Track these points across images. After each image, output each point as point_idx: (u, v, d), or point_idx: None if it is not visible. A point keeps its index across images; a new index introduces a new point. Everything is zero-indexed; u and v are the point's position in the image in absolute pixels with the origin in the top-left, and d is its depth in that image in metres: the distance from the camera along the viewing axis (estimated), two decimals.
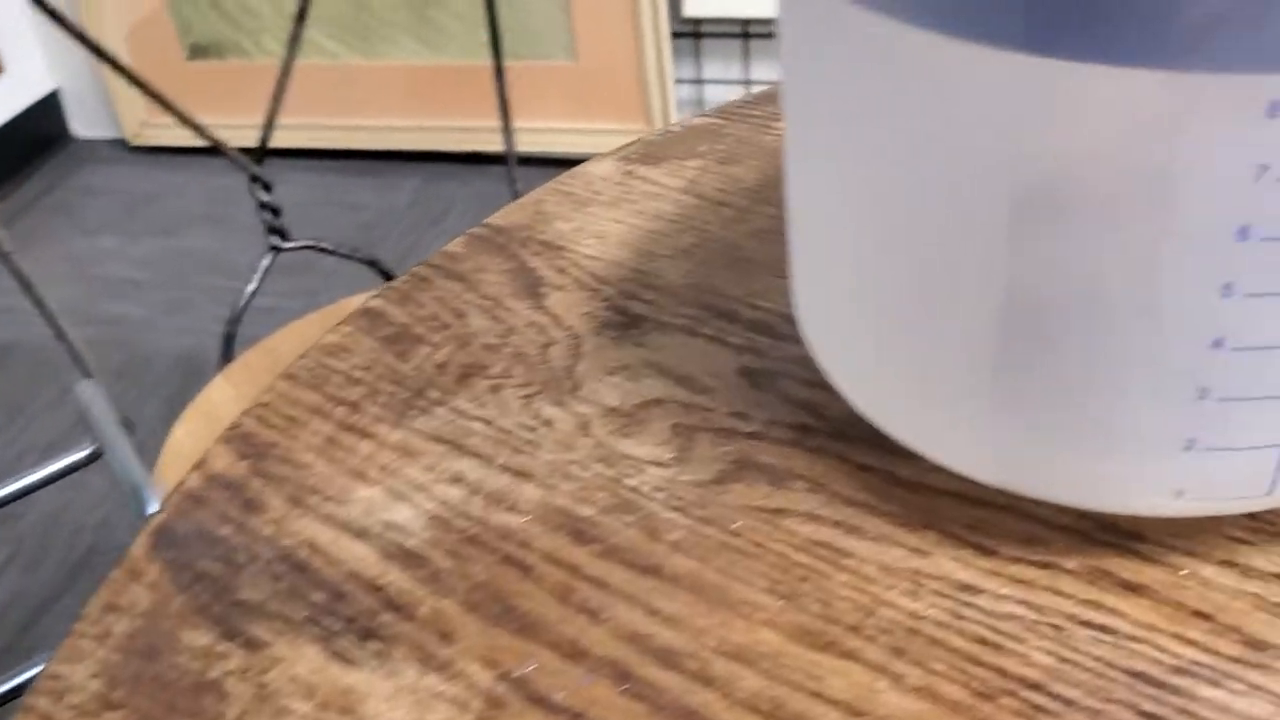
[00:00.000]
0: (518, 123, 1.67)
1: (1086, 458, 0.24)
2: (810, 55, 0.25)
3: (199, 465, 0.32)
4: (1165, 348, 0.22)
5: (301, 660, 0.26)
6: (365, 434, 0.32)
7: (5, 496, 0.63)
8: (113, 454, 0.58)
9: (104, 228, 1.82)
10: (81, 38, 0.69)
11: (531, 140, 1.71)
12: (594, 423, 0.31)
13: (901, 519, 0.28)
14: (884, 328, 0.27)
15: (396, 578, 0.28)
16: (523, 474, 0.30)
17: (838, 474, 0.29)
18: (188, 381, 1.43)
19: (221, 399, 0.74)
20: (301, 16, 0.77)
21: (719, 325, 0.35)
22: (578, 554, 0.27)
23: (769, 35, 1.72)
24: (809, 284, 0.29)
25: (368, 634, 0.26)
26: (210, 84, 1.91)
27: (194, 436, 0.69)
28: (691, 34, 1.76)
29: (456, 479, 0.30)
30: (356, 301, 0.37)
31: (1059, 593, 0.25)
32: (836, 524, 0.28)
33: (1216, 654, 0.24)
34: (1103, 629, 0.25)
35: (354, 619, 0.27)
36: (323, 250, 0.85)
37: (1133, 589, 0.25)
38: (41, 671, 0.27)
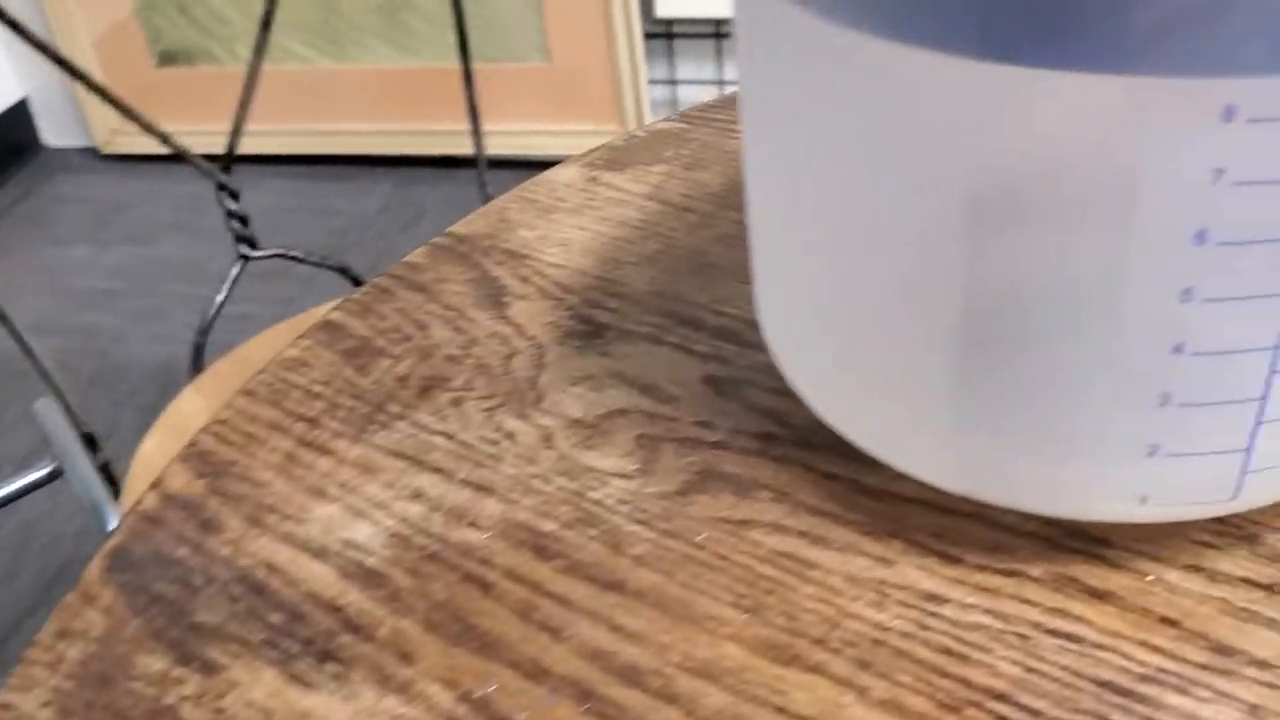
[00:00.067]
0: (491, 125, 1.67)
1: (1050, 464, 0.24)
2: (765, 62, 0.25)
3: (156, 485, 0.31)
4: (1126, 353, 0.22)
5: (258, 684, 0.25)
6: (324, 450, 0.31)
7: None
8: (72, 472, 0.57)
9: (76, 237, 1.80)
10: (43, 48, 0.68)
11: (505, 143, 1.71)
12: (557, 435, 0.31)
13: (867, 528, 0.27)
14: (845, 335, 0.26)
15: (356, 598, 0.27)
16: (484, 489, 0.29)
17: (803, 483, 0.29)
18: (162, 391, 1.42)
19: (192, 410, 0.73)
20: (267, 23, 0.76)
21: (684, 333, 0.34)
22: (540, 570, 0.27)
23: None
24: (770, 291, 0.29)
25: (326, 656, 0.26)
26: (181, 91, 1.89)
27: (163, 450, 0.68)
28: (664, 34, 1.76)
29: (417, 495, 0.29)
30: (328, 309, 0.36)
31: (1025, 601, 0.25)
32: (802, 534, 0.27)
33: (1183, 661, 0.24)
34: (1069, 637, 0.24)
35: (312, 640, 0.26)
36: (292, 258, 0.85)
37: (1099, 596, 0.25)
38: None
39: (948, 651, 0.24)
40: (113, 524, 0.59)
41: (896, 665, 0.24)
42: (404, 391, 0.33)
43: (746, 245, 0.37)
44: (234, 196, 0.79)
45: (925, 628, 0.25)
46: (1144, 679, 0.23)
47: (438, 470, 0.30)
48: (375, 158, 1.84)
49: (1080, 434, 0.23)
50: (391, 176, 1.82)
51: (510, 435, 0.31)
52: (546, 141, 1.73)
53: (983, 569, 0.26)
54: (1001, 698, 0.23)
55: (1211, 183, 0.19)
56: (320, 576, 0.28)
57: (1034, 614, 0.25)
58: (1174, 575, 0.25)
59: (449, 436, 0.31)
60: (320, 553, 0.28)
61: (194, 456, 0.32)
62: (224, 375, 0.75)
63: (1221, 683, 0.23)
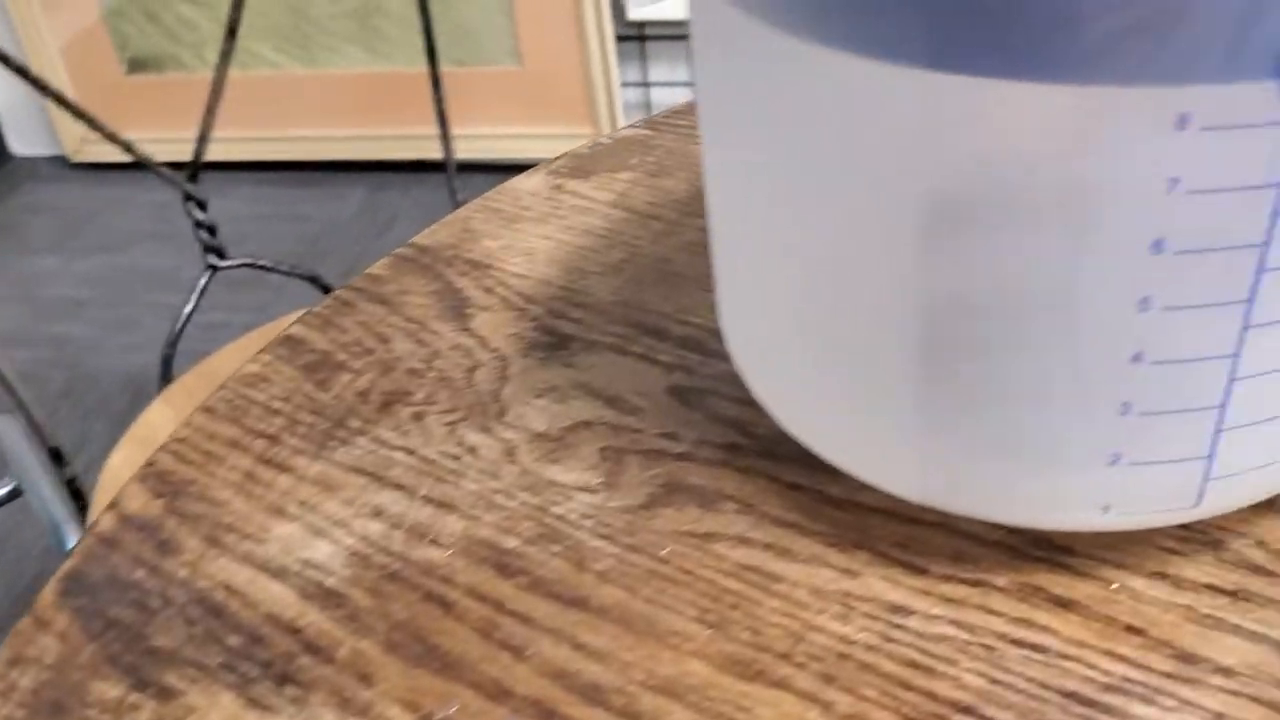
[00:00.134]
0: (464, 129, 1.66)
1: (1011, 474, 0.24)
2: (721, 71, 0.24)
3: (113, 505, 0.31)
4: (1085, 363, 0.22)
5: (216, 709, 0.25)
6: (284, 468, 0.31)
7: None
8: (32, 491, 0.57)
9: (46, 246, 1.78)
10: (5, 60, 0.67)
11: (477, 147, 1.70)
12: (520, 449, 0.30)
13: (832, 539, 0.27)
14: (805, 344, 0.26)
15: (315, 618, 0.27)
16: (446, 505, 0.29)
17: (768, 494, 0.28)
18: (134, 401, 1.41)
19: (160, 422, 0.73)
20: (233, 31, 0.75)
21: (648, 343, 0.34)
22: (502, 588, 0.27)
23: None
24: (732, 300, 0.29)
25: (285, 678, 0.25)
26: (150, 99, 1.88)
27: (131, 463, 0.68)
28: (636, 37, 1.75)
29: (377, 513, 0.29)
30: (289, 322, 0.36)
31: (990, 611, 0.25)
32: (767, 547, 0.27)
33: (1148, 670, 0.24)
34: (1035, 648, 0.24)
35: (271, 663, 0.26)
36: (261, 268, 0.84)
37: (1064, 605, 0.25)
38: None
39: (913, 664, 0.24)
40: (72, 543, 0.58)
41: (861, 679, 0.24)
42: (365, 406, 0.33)
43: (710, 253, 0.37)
44: (201, 206, 0.78)
45: (890, 640, 0.25)
46: (1109, 689, 0.23)
47: (399, 487, 0.30)
48: (348, 163, 1.83)
49: (1041, 443, 0.23)
50: (364, 182, 1.81)
51: (472, 450, 0.31)
52: (519, 145, 1.73)
53: (948, 579, 0.26)
54: (967, 710, 0.23)
55: (1167, 191, 0.19)
56: (279, 597, 0.27)
57: (999, 624, 0.25)
58: (1139, 583, 0.25)
59: (410, 452, 0.31)
60: (279, 573, 0.28)
61: (152, 476, 0.31)
62: (193, 387, 0.74)
63: (1186, 691, 0.23)
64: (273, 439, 0.32)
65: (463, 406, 0.32)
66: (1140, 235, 0.20)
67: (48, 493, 0.57)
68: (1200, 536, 0.26)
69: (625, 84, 1.78)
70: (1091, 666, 0.24)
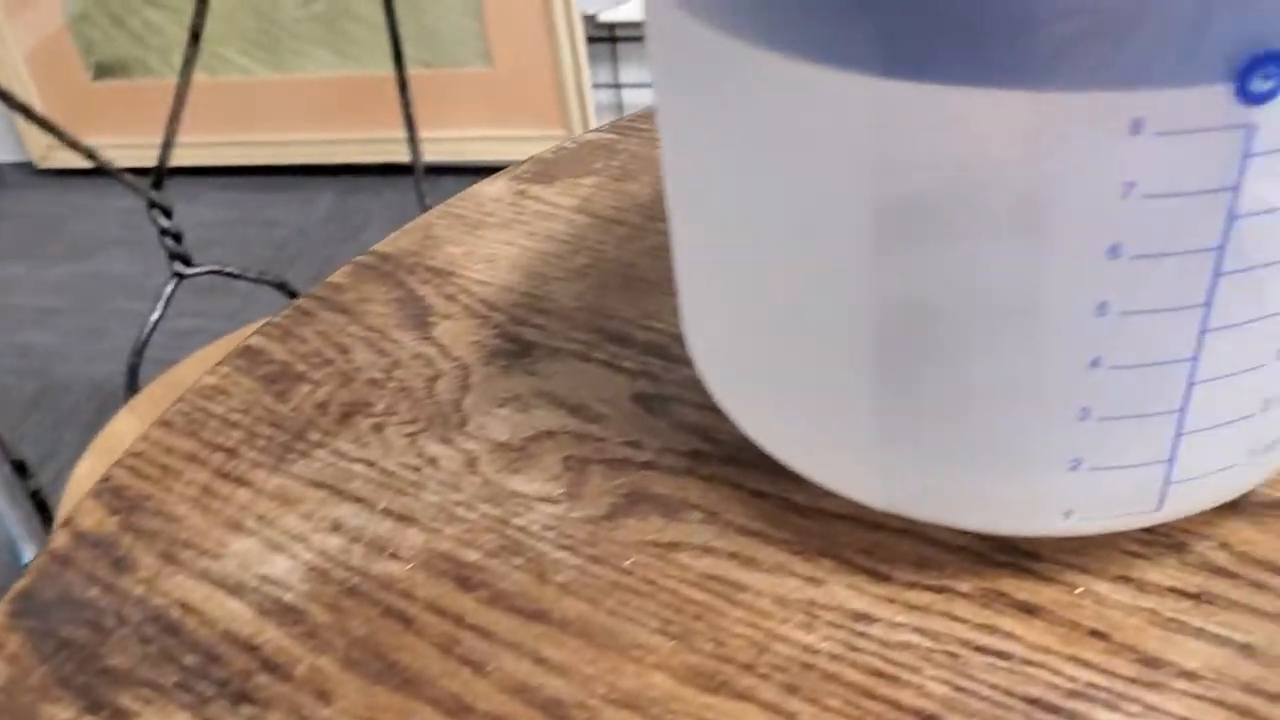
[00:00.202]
0: (434, 132, 1.65)
1: (972, 479, 0.24)
2: (677, 78, 0.24)
3: (66, 523, 0.30)
4: (1044, 368, 0.22)
5: None
6: (242, 481, 0.30)
7: None
8: None
9: (12, 254, 1.77)
10: None
11: (448, 149, 1.69)
12: (482, 459, 0.30)
13: (796, 546, 0.27)
14: (765, 351, 0.26)
15: (273, 635, 0.26)
16: (406, 518, 0.29)
17: (732, 502, 0.28)
18: (104, 409, 1.39)
19: (126, 433, 0.72)
20: (196, 37, 0.74)
21: (612, 350, 0.34)
22: (462, 602, 0.26)
23: None
24: (693, 306, 0.29)
25: (241, 697, 0.25)
26: (118, 104, 1.86)
27: (96, 476, 0.67)
28: (607, 38, 1.75)
29: (336, 526, 0.29)
30: (249, 333, 0.35)
31: (954, 618, 0.25)
32: (731, 556, 0.27)
33: (1112, 675, 0.23)
34: (999, 654, 0.24)
35: (227, 682, 0.25)
36: (228, 274, 0.83)
37: (1028, 610, 0.25)
38: None
39: (877, 673, 0.24)
40: (29, 559, 0.57)
41: (825, 689, 0.24)
42: (324, 418, 0.32)
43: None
44: (166, 213, 0.78)
45: (854, 649, 0.25)
46: (1073, 695, 0.23)
47: (358, 500, 0.29)
48: (318, 167, 1.82)
49: (1001, 449, 0.23)
50: (334, 186, 1.80)
51: (433, 461, 0.30)
52: (490, 147, 1.72)
53: (912, 586, 0.26)
54: (931, 719, 0.23)
55: (1122, 196, 0.19)
56: (236, 614, 0.27)
57: (963, 631, 0.25)
58: (1103, 587, 0.25)
59: (370, 464, 0.30)
60: (237, 589, 0.27)
61: (107, 491, 0.31)
62: (160, 396, 0.73)
63: (1150, 696, 0.23)
64: (231, 452, 0.31)
65: (423, 417, 0.32)
66: (1096, 240, 0.20)
67: (3, 507, 0.56)
68: (1164, 539, 0.26)
69: (597, 85, 1.78)
70: (1056, 672, 0.24)
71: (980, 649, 0.24)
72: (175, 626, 0.27)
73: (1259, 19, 0.18)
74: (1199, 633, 0.24)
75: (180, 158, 1.63)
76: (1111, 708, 0.23)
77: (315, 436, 0.32)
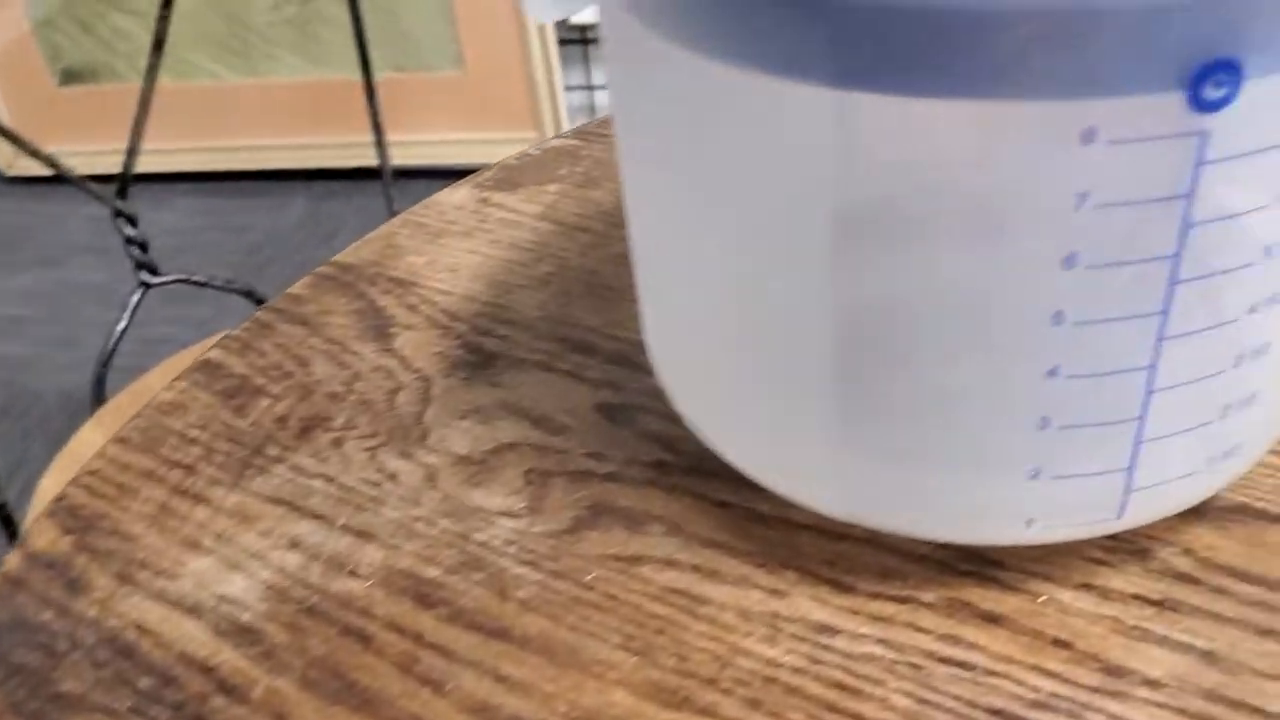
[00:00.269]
0: (406, 136, 1.65)
1: (933, 489, 0.24)
2: (631, 86, 0.24)
3: (19, 544, 0.30)
4: (1002, 377, 0.22)
5: None
6: (200, 499, 0.30)
7: None
8: None
9: None
10: None
11: (420, 153, 1.69)
12: (442, 473, 0.30)
13: (760, 558, 0.27)
14: (725, 361, 0.26)
15: (229, 656, 0.26)
16: (365, 534, 0.28)
17: (695, 513, 0.28)
18: (74, 420, 1.38)
19: (93, 446, 0.71)
20: (159, 45, 0.74)
21: (576, 359, 0.33)
22: (422, 620, 0.26)
23: None
24: (654, 315, 0.28)
25: None
26: (86, 110, 1.84)
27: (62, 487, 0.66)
28: (579, 40, 1.75)
29: (294, 544, 0.28)
30: (208, 346, 0.35)
31: (918, 628, 0.25)
32: (694, 568, 0.27)
33: (1075, 685, 0.23)
34: (962, 665, 0.24)
35: (182, 705, 0.25)
36: (195, 283, 0.82)
37: (992, 620, 0.25)
38: None
39: (840, 686, 0.24)
40: None
41: (788, 703, 0.24)
42: (283, 433, 0.32)
43: None
44: (131, 221, 0.77)
45: (818, 662, 0.24)
46: (1036, 705, 0.23)
47: (317, 516, 0.29)
48: (290, 172, 1.81)
49: (961, 458, 0.23)
50: (306, 191, 1.79)
51: (393, 476, 0.30)
52: (463, 151, 1.71)
53: (876, 596, 0.26)
54: None
55: (1076, 206, 0.19)
56: (193, 635, 0.26)
57: (926, 642, 0.24)
58: (1066, 595, 0.25)
59: (329, 479, 0.30)
60: (193, 610, 0.27)
61: (61, 511, 0.30)
62: (126, 408, 0.73)
63: (1113, 705, 0.23)
64: (189, 469, 0.31)
65: (383, 431, 0.31)
66: (1051, 250, 0.20)
67: None
68: (1127, 545, 0.26)
69: (569, 88, 1.77)
70: (1019, 683, 0.23)
71: (944, 660, 0.24)
72: (130, 649, 0.26)
73: (1210, 26, 0.18)
74: (1162, 640, 0.24)
75: (151, 164, 1.62)
76: (1075, 717, 0.23)
77: (274, 452, 0.31)
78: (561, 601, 0.26)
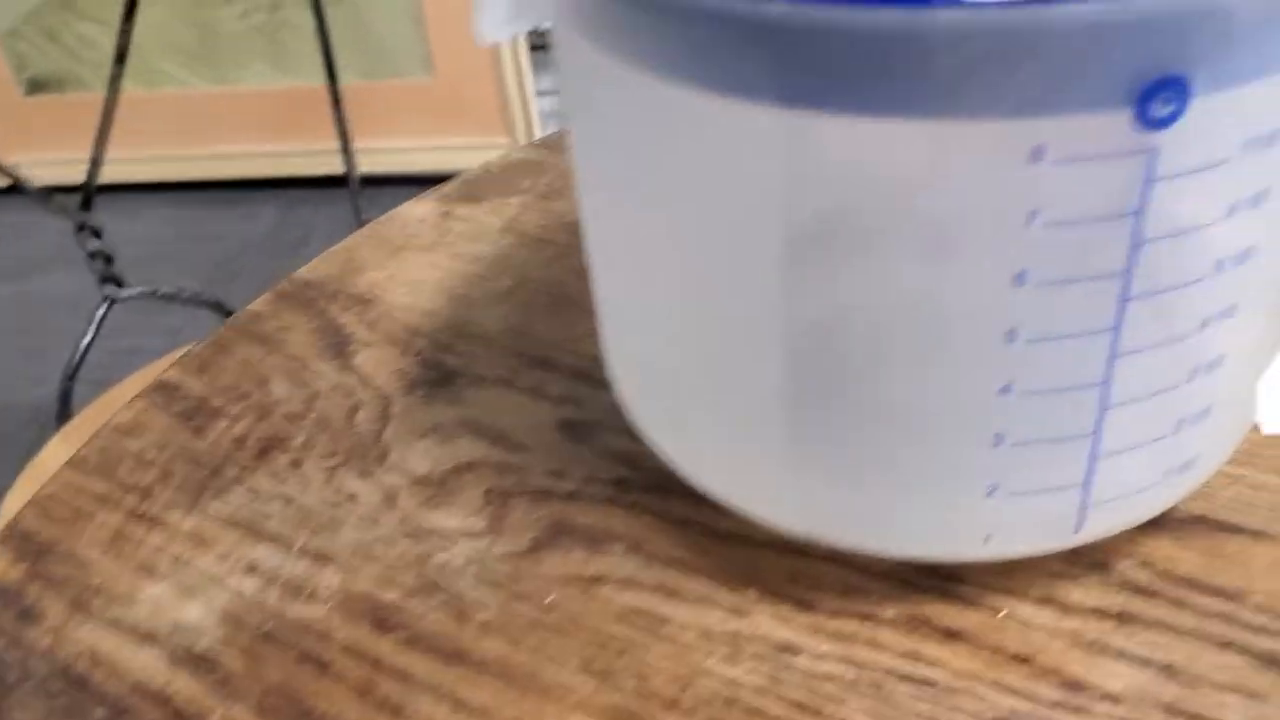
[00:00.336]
0: (376, 143, 1.64)
1: (890, 507, 0.24)
2: (583, 104, 0.24)
3: None
4: (956, 394, 0.21)
5: None
6: (156, 523, 0.30)
7: None
8: None
9: None
10: None
11: (391, 161, 1.68)
12: (402, 494, 0.29)
13: (722, 576, 0.27)
14: (682, 379, 0.25)
15: (185, 685, 0.25)
16: (323, 557, 0.28)
17: (656, 531, 0.28)
18: (42, 436, 1.37)
19: (58, 462, 0.70)
20: (121, 57, 0.73)
21: (537, 375, 0.33)
22: (380, 644, 0.26)
23: None
24: (612, 333, 0.28)
25: None
26: (52, 120, 1.82)
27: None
28: (550, 46, 1.74)
29: (252, 568, 0.28)
30: (166, 365, 0.35)
31: (879, 646, 0.25)
32: (655, 588, 0.26)
33: (1036, 700, 0.23)
34: (923, 682, 0.24)
35: None
36: (162, 296, 0.82)
37: (953, 635, 0.25)
38: None
39: (801, 706, 0.24)
40: None
41: None
42: (241, 454, 0.31)
43: None
44: (96, 234, 0.76)
45: (779, 681, 0.24)
46: None
47: (275, 539, 0.29)
48: (259, 180, 1.80)
49: (917, 475, 0.23)
50: (276, 199, 1.77)
51: (352, 497, 0.30)
52: (434, 158, 1.71)
53: (837, 614, 0.25)
54: None
55: (1025, 224, 0.19)
56: (147, 664, 0.26)
57: (888, 660, 0.24)
58: (1027, 609, 0.25)
59: (288, 501, 0.30)
60: (148, 638, 0.27)
61: (14, 537, 0.30)
62: (93, 423, 0.72)
63: None
64: (145, 492, 0.31)
65: (342, 450, 0.31)
66: (1002, 268, 0.20)
67: None
68: (1087, 558, 0.26)
69: (540, 93, 1.77)
70: (980, 699, 0.23)
71: (905, 677, 0.24)
72: (83, 680, 0.26)
73: (1156, 44, 0.18)
74: (1121, 654, 0.24)
75: (119, 173, 1.61)
76: None
77: (232, 473, 0.31)
78: (521, 624, 0.26)
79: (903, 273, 0.20)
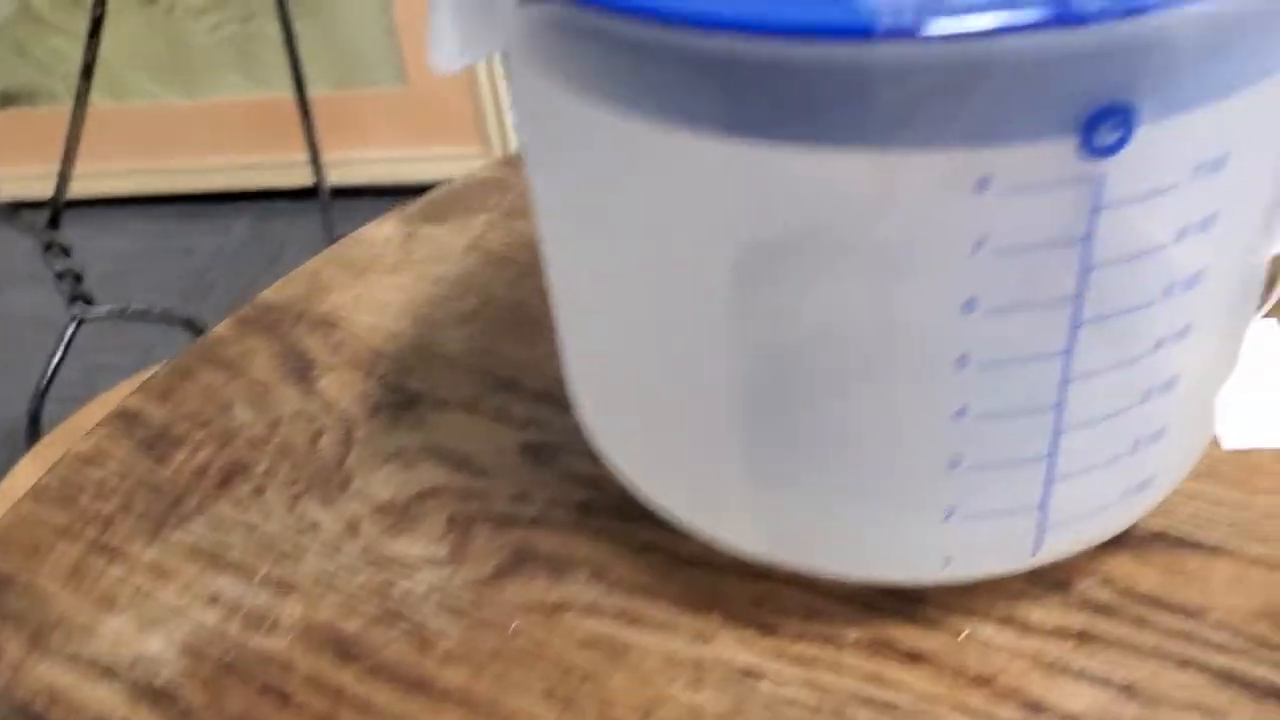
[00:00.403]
0: (349, 154, 1.63)
1: (849, 530, 0.24)
2: (535, 131, 0.24)
3: None
4: (911, 418, 0.21)
5: None
6: (117, 554, 0.29)
7: None
8: None
9: None
10: None
11: (365, 172, 1.67)
12: (364, 522, 0.29)
13: (685, 601, 0.27)
14: (641, 403, 0.25)
15: (145, 719, 0.25)
16: (285, 586, 0.28)
17: (619, 557, 0.28)
18: (13, 455, 1.35)
19: (30, 483, 0.69)
20: (88, 72, 0.72)
21: (501, 398, 0.33)
22: (342, 675, 0.26)
23: None
24: (572, 357, 0.28)
25: None
26: (22, 133, 1.81)
27: None
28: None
29: (213, 599, 0.28)
30: (128, 393, 0.34)
31: (842, 669, 0.25)
32: (618, 614, 0.26)
33: None
34: (885, 706, 0.24)
35: None
36: (131, 315, 0.81)
37: (915, 658, 0.25)
38: None
39: None
40: None
41: None
42: (203, 482, 0.31)
43: None
44: (65, 252, 0.75)
45: (742, 708, 0.24)
46: None
47: (236, 569, 0.28)
48: (233, 193, 1.79)
49: (875, 498, 0.23)
50: (250, 211, 1.77)
51: (314, 526, 0.29)
52: (409, 168, 1.70)
53: (800, 637, 0.25)
54: None
55: (973, 252, 0.19)
56: (106, 700, 0.26)
57: (851, 683, 0.24)
58: (988, 630, 0.25)
59: (250, 529, 0.29)
60: (108, 672, 0.26)
61: None
62: (64, 443, 0.71)
63: None
64: (106, 522, 0.30)
65: (305, 478, 0.31)
66: (951, 295, 0.20)
67: None
68: (1048, 577, 0.26)
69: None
70: None
71: (867, 701, 0.24)
72: (39, 719, 0.26)
73: (1101, 73, 0.18)
74: (1080, 674, 0.24)
75: (91, 187, 1.60)
76: None
77: (194, 502, 0.31)
78: (483, 652, 0.26)
79: (854, 300, 0.20)
